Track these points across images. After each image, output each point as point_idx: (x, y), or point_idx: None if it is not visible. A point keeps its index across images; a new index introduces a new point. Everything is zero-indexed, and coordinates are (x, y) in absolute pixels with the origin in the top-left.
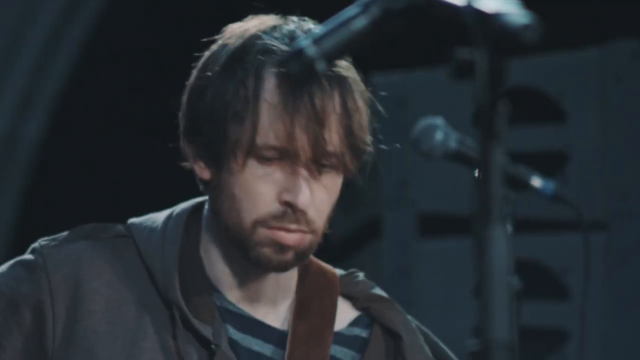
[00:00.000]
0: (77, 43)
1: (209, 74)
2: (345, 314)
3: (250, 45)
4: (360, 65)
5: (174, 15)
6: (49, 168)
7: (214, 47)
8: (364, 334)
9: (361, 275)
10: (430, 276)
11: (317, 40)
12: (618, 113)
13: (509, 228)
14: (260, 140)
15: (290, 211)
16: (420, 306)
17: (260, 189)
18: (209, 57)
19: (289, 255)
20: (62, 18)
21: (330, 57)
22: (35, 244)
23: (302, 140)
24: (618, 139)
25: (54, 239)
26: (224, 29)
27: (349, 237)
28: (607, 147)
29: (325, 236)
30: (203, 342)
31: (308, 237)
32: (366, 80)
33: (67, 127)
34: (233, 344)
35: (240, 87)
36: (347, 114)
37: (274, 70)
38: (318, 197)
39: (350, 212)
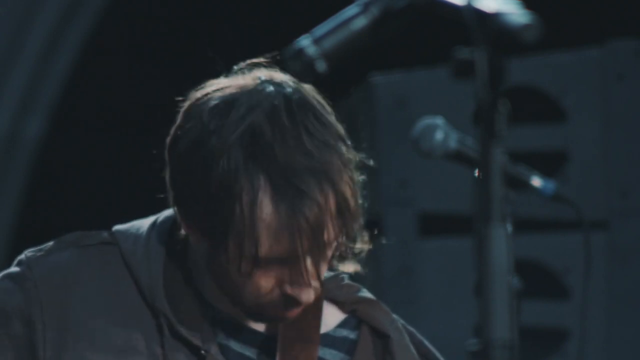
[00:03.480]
0: (77, 43)
1: (204, 155)
2: (331, 317)
3: (245, 146)
4: (360, 66)
5: (174, 16)
6: (49, 168)
7: (216, 105)
8: (352, 335)
9: (346, 278)
10: (431, 276)
11: (317, 39)
12: (618, 112)
13: (509, 228)
14: (261, 256)
15: (292, 300)
16: (421, 305)
17: (261, 282)
18: (208, 123)
19: (294, 313)
20: (62, 18)
21: (330, 57)
22: (22, 256)
23: (304, 254)
24: (618, 138)
25: (39, 250)
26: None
27: None
28: (607, 146)
29: None
30: (192, 348)
31: (311, 298)
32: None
33: (67, 127)
34: (223, 349)
35: (237, 204)
36: (341, 214)
37: (267, 192)
38: (321, 270)
39: None
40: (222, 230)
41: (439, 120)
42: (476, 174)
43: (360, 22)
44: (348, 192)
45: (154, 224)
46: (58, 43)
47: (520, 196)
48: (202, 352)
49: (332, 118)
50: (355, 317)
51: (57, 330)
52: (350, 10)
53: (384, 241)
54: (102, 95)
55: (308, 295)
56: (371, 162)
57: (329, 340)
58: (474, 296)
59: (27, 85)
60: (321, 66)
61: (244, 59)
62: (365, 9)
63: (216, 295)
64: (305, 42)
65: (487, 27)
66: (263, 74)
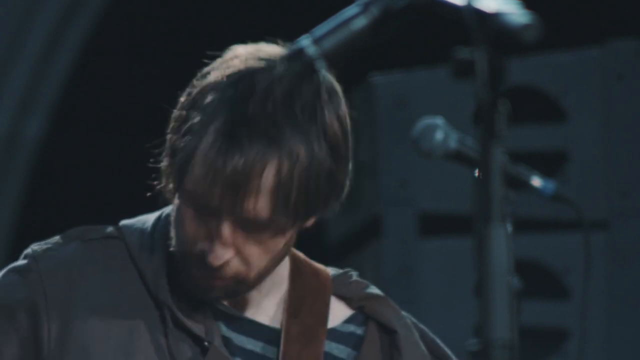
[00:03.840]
0: (77, 43)
1: (197, 87)
2: (339, 313)
3: (233, 90)
4: (360, 65)
5: (174, 16)
6: (49, 168)
7: (208, 80)
8: (359, 331)
9: (355, 275)
10: (431, 275)
11: (317, 39)
12: (619, 112)
13: (509, 228)
14: (188, 186)
15: (205, 260)
16: (421, 305)
17: (187, 223)
18: (197, 89)
19: (215, 294)
20: (62, 18)
21: (330, 57)
22: (28, 250)
23: (222, 206)
24: (618, 138)
25: (45, 243)
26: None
27: (349, 237)
28: (607, 146)
29: (325, 236)
30: (195, 339)
31: (232, 285)
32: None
33: (67, 127)
34: (226, 341)
35: (193, 131)
36: (279, 193)
37: (217, 129)
38: (246, 250)
39: (350, 212)
40: (175, 154)
41: (439, 120)
42: (476, 174)
43: (360, 22)
44: (294, 181)
45: (159, 218)
46: (58, 43)
47: (520, 196)
48: (206, 343)
49: (332, 117)
50: (362, 313)
51: (61, 323)
52: (350, 10)
53: (383, 241)
54: (102, 95)
55: (215, 258)
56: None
57: (336, 335)
58: (474, 296)
59: (27, 85)
60: (321, 66)
61: None
62: (365, 9)
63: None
64: (305, 42)
65: (487, 27)
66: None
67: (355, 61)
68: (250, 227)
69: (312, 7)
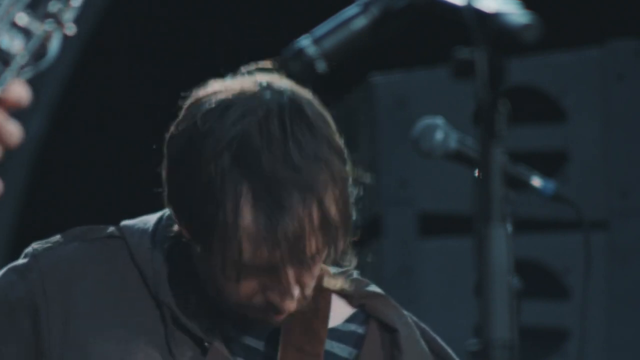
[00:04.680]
0: (77, 43)
1: (195, 160)
2: (340, 311)
3: (233, 153)
4: (360, 65)
5: (174, 16)
6: (49, 168)
7: (210, 109)
8: (360, 329)
9: (355, 273)
10: (431, 275)
11: (317, 39)
12: (619, 112)
13: (509, 228)
14: (245, 262)
15: (276, 307)
16: (421, 305)
17: (245, 288)
18: (201, 126)
19: (279, 318)
20: None
21: (330, 57)
22: (28, 249)
23: (285, 262)
24: (618, 138)
25: (46, 242)
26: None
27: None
28: (607, 146)
29: None
30: (196, 340)
31: (296, 306)
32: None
33: (67, 127)
34: (227, 340)
35: (220, 211)
36: (325, 227)
37: (248, 201)
38: (306, 283)
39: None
40: (207, 234)
41: (439, 120)
42: (476, 174)
43: (360, 22)
44: (333, 208)
45: (160, 219)
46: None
47: (520, 196)
48: (206, 344)
49: (328, 130)
50: (363, 312)
51: (61, 322)
52: (350, 10)
53: (383, 241)
54: (102, 95)
55: (290, 305)
56: (367, 177)
57: (337, 334)
58: (474, 296)
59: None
60: (321, 66)
61: (243, 59)
62: (365, 9)
63: None
64: (305, 42)
65: (487, 27)
66: (265, 78)
67: (355, 61)
68: (309, 264)
69: (312, 7)
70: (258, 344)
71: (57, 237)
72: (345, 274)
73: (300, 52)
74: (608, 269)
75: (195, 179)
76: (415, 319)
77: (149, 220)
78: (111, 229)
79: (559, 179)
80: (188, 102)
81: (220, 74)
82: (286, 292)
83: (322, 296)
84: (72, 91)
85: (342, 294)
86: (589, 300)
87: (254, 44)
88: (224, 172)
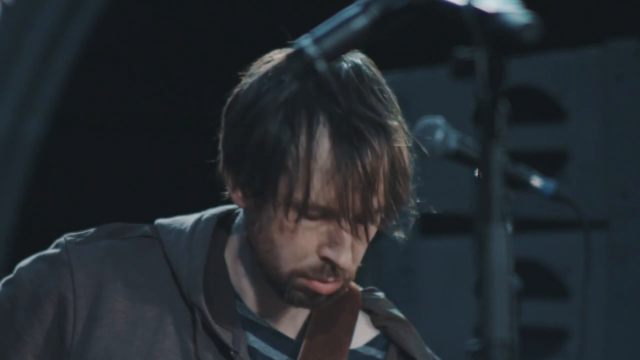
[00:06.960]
0: (77, 43)
1: (258, 110)
2: (363, 331)
3: (306, 92)
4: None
5: (175, 16)
6: (49, 168)
7: (268, 71)
8: (379, 355)
9: (381, 294)
10: (431, 275)
11: (317, 39)
12: (619, 112)
13: (509, 228)
14: (310, 201)
15: (329, 266)
16: (421, 305)
17: (301, 241)
18: (260, 86)
19: (322, 299)
20: (62, 18)
21: (330, 57)
22: (61, 239)
23: (352, 204)
24: (619, 138)
25: (79, 235)
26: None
27: None
28: (607, 146)
29: None
30: (222, 347)
31: (342, 284)
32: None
33: (67, 127)
34: (252, 352)
35: (292, 144)
36: (394, 175)
37: (326, 131)
38: (357, 250)
39: None
40: (274, 175)
41: (439, 120)
42: (476, 174)
43: (360, 22)
44: (403, 155)
45: (198, 220)
46: (58, 43)
47: (520, 196)
48: (232, 352)
49: (391, 94)
50: (385, 336)
51: (87, 319)
52: (350, 10)
53: (383, 241)
54: (102, 95)
55: (346, 259)
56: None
57: (357, 357)
58: (474, 296)
59: (27, 85)
60: (321, 66)
61: (244, 59)
62: (365, 9)
63: (251, 293)
64: (305, 42)
65: (487, 27)
66: None
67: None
68: (366, 222)
69: (312, 7)
70: (281, 358)
71: (90, 232)
72: (371, 292)
73: (300, 52)
74: (608, 268)
75: (265, 121)
76: (430, 351)
77: (186, 220)
78: (145, 228)
79: (559, 178)
80: (249, 69)
81: (220, 74)
82: (343, 245)
83: (349, 308)
84: (72, 91)
85: (367, 309)
86: (589, 300)
87: (254, 44)
88: (300, 107)
